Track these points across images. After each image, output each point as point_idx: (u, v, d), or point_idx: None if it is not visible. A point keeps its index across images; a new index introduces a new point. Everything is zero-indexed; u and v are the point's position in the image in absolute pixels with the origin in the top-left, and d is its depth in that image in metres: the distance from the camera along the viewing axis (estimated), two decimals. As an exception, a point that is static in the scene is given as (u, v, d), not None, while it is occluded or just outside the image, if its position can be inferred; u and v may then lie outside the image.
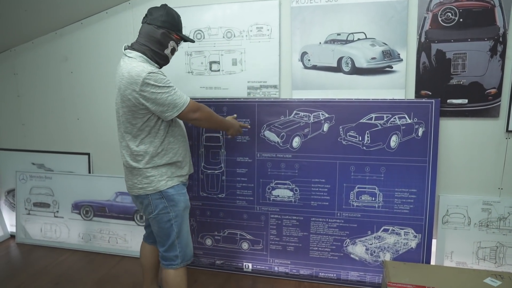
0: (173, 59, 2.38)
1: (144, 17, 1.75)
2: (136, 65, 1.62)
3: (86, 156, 2.76)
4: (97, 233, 2.74)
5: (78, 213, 2.77)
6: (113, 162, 2.70)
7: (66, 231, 2.81)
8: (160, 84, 1.61)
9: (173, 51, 1.79)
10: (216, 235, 2.45)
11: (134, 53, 1.69)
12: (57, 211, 2.82)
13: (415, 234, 2.17)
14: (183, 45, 2.38)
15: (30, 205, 2.88)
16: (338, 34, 2.15)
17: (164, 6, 1.74)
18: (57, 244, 2.83)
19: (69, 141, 2.80)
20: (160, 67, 1.77)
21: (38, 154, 2.88)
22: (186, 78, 2.42)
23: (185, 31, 2.36)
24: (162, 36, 1.71)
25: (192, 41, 1.87)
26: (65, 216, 2.80)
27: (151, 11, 1.73)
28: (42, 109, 2.81)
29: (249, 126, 2.17)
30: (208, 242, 2.47)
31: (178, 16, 1.78)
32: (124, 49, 1.74)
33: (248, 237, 2.40)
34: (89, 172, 2.75)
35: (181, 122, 1.90)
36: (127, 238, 2.68)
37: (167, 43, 1.73)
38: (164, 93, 1.62)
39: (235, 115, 2.15)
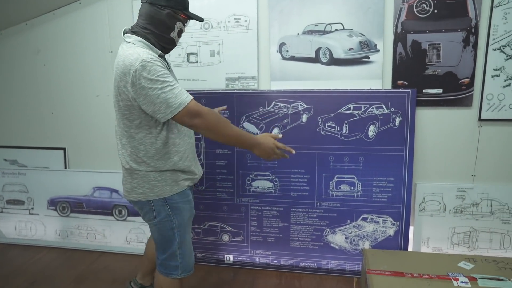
0: (150, 51, 2.37)
1: None
2: (132, 52, 1.39)
3: (62, 151, 2.69)
4: (74, 229, 2.68)
5: (54, 209, 2.70)
6: (90, 157, 2.64)
7: (42, 228, 2.74)
8: (152, 77, 1.35)
9: (180, 33, 1.56)
10: (196, 228, 2.44)
11: (133, 38, 1.47)
12: (32, 208, 2.74)
13: (393, 222, 2.22)
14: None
15: (3, 202, 2.79)
16: (316, 25, 2.16)
17: None
18: (33, 242, 2.75)
19: (44, 136, 2.72)
20: (167, 52, 1.58)
21: (11, 150, 2.79)
22: (164, 70, 2.38)
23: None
24: (167, 17, 1.48)
25: (202, 20, 1.63)
26: (41, 213, 2.73)
27: None
28: (14, 103, 2.72)
29: (293, 151, 1.67)
30: (189, 235, 2.46)
31: None
32: (124, 34, 1.53)
33: (228, 229, 2.40)
34: (65, 168, 2.69)
35: None
36: (106, 233, 2.64)
37: (173, 25, 1.50)
38: (156, 89, 1.35)
39: (224, 107, 1.95)
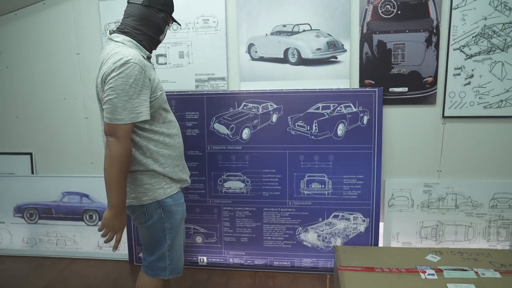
0: (118, 52, 2.33)
1: None
2: (119, 50, 1.39)
3: (28, 156, 2.61)
4: (43, 236, 2.61)
5: (21, 216, 2.62)
6: (59, 161, 2.58)
7: (8, 237, 2.65)
8: (122, 79, 1.33)
9: (164, 37, 1.63)
10: (169, 231, 2.41)
11: (122, 37, 1.47)
12: (-2, 216, 2.65)
13: (363, 218, 2.27)
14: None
15: (-33, 211, 2.68)
16: (284, 26, 2.18)
17: None
18: (-1, 251, 2.67)
19: (9, 141, 2.63)
20: (150, 53, 1.58)
21: (-26, 156, 2.69)
22: (133, 72, 2.35)
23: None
24: (162, 20, 1.53)
25: (179, 24, 1.72)
26: (7, 221, 2.64)
27: None
28: (-24, 107, 2.63)
29: (118, 249, 1.55)
30: (162, 238, 2.43)
31: None
32: (110, 33, 1.51)
33: (201, 231, 2.39)
34: (32, 173, 2.61)
35: (172, 116, 1.61)
36: (77, 239, 2.58)
37: (164, 28, 1.56)
38: (116, 91, 1.34)
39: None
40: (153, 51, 1.61)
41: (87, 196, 2.54)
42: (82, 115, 2.49)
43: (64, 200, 2.56)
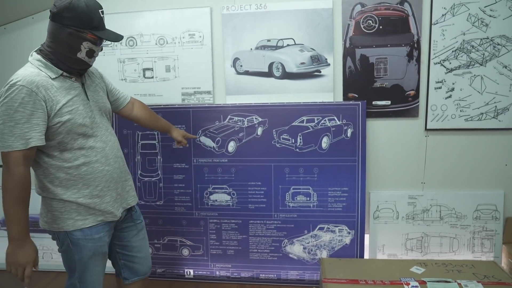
0: (106, 66, 2.35)
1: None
2: (17, 72, 1.33)
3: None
4: (29, 249, 2.59)
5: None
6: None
7: (-6, 250, 2.63)
8: (6, 104, 1.27)
9: (90, 53, 1.39)
10: (155, 243, 2.41)
11: (34, 56, 1.38)
12: (-17, 229, 2.64)
13: (348, 230, 2.28)
14: (116, 51, 2.34)
15: (-47, 224, 2.67)
16: (268, 40, 2.22)
17: None
18: (-15, 265, 2.64)
19: None
20: (82, 74, 1.47)
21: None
22: (120, 86, 2.35)
23: (117, 38, 2.32)
24: (69, 36, 1.33)
25: (118, 39, 1.46)
26: (-7, 233, 2.63)
27: (56, 2, 1.34)
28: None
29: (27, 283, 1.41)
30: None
31: (91, 7, 1.34)
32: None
33: (188, 243, 2.39)
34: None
35: (96, 142, 1.46)
36: (62, 253, 2.57)
37: (78, 45, 1.35)
38: (1, 118, 1.28)
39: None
40: (87, 69, 1.48)
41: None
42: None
43: (51, 213, 2.55)
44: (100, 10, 1.39)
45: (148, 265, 1.75)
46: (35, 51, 1.41)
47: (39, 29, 2.41)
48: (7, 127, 1.28)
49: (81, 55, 1.38)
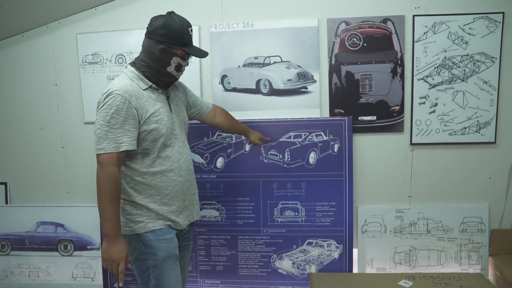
0: (95, 83, 2.38)
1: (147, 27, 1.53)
2: (114, 82, 1.47)
3: (3, 186, 2.59)
4: (15, 268, 2.55)
5: (-6, 248, 2.58)
6: (34, 191, 2.56)
7: (-21, 269, 2.60)
8: (104, 110, 1.40)
9: (179, 67, 1.54)
10: (145, 261, 2.40)
11: (128, 68, 1.53)
12: (-31, 248, 2.60)
13: (337, 245, 2.29)
14: (105, 68, 2.37)
15: None
16: (256, 58, 2.26)
17: (167, 14, 1.49)
18: (-31, 285, 2.60)
19: (-16, 171, 2.62)
20: (167, 86, 1.59)
21: None
22: (109, 102, 2.39)
23: (107, 56, 2.35)
24: (161, 52, 1.48)
25: (204, 55, 1.60)
26: (-21, 252, 2.60)
27: (151, 21, 1.50)
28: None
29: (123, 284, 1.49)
30: (137, 268, 2.41)
31: (183, 26, 1.49)
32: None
33: (177, 260, 2.38)
34: (6, 203, 2.58)
35: (172, 152, 1.56)
36: (50, 270, 2.54)
37: (169, 60, 1.50)
38: (99, 122, 1.40)
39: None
40: (174, 82, 1.61)
41: (62, 226, 2.52)
42: (59, 145, 2.50)
43: (39, 230, 2.53)
44: (189, 28, 1.53)
45: (184, 285, 1.76)
46: (130, 64, 1.56)
47: (29, 46, 2.43)
48: (103, 132, 1.41)
49: (170, 69, 1.53)
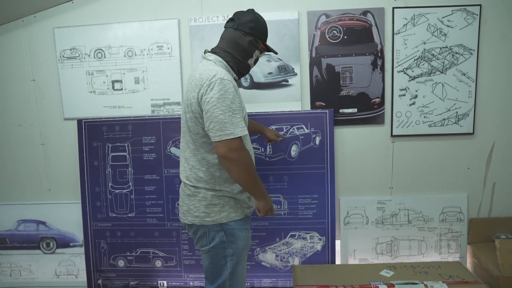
0: (74, 79, 2.35)
1: (228, 21, 1.61)
2: (212, 68, 1.47)
3: (-18, 184, 2.55)
4: (-4, 267, 2.53)
5: (-26, 247, 2.54)
6: (14, 189, 2.52)
7: (-40, 268, 2.56)
8: (221, 96, 1.40)
9: (256, 61, 1.64)
10: (128, 256, 2.39)
11: (214, 57, 1.55)
12: None
13: (319, 237, 2.31)
14: (84, 63, 2.33)
15: None
16: (236, 51, 2.24)
17: (252, 11, 1.61)
18: (-50, 284, 2.57)
19: (-38, 169, 2.57)
20: (239, 78, 1.65)
21: None
22: (89, 98, 2.35)
23: (85, 50, 2.32)
24: (249, 44, 1.56)
25: (276, 53, 1.71)
26: (-43, 252, 2.55)
27: (239, 15, 1.59)
28: None
29: (273, 214, 1.74)
30: (121, 263, 2.40)
31: (266, 24, 1.64)
32: (204, 53, 1.61)
33: (161, 255, 2.37)
34: (-14, 202, 2.55)
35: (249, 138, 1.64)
36: (32, 268, 2.51)
37: (252, 52, 1.59)
38: (218, 108, 1.39)
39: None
40: (245, 75, 1.68)
41: (44, 223, 2.49)
42: (38, 141, 2.46)
43: (20, 229, 2.50)
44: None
45: None
46: (211, 52, 1.59)
47: (3, 41, 2.38)
48: (227, 117, 1.41)
49: (251, 61, 1.62)
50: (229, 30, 1.59)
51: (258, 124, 2.09)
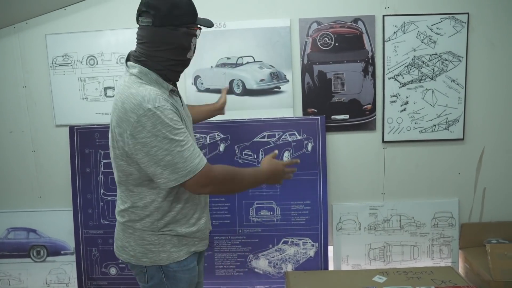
0: (66, 85, 2.34)
1: (141, 16, 1.23)
2: (135, 91, 1.15)
3: (-28, 192, 2.52)
4: (-15, 276, 2.49)
5: (-37, 256, 2.50)
6: (5, 196, 2.49)
7: None
8: (159, 132, 1.12)
9: (195, 49, 1.31)
10: (120, 263, 2.37)
11: (139, 69, 1.22)
12: None
13: (312, 243, 2.31)
14: (76, 70, 2.33)
15: None
16: (228, 58, 2.26)
17: None
18: None
19: (-49, 177, 2.54)
20: (178, 79, 1.35)
21: None
22: (81, 104, 2.35)
23: (77, 57, 2.32)
24: (183, 36, 1.23)
25: (211, 25, 1.35)
26: None
27: (152, 6, 1.19)
28: None
29: (298, 161, 1.57)
30: (113, 271, 2.38)
31: None
32: (126, 61, 1.28)
33: (153, 263, 2.36)
34: (-25, 209, 2.52)
35: None
36: (22, 277, 2.48)
37: (189, 44, 1.26)
38: (161, 148, 1.13)
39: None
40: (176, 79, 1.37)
41: (34, 231, 2.46)
42: (29, 148, 2.44)
43: (9, 237, 2.47)
44: None
45: None
46: (132, 60, 1.27)
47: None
48: (176, 154, 1.16)
49: (190, 54, 1.30)
50: (150, 29, 1.21)
51: (202, 107, 1.86)
